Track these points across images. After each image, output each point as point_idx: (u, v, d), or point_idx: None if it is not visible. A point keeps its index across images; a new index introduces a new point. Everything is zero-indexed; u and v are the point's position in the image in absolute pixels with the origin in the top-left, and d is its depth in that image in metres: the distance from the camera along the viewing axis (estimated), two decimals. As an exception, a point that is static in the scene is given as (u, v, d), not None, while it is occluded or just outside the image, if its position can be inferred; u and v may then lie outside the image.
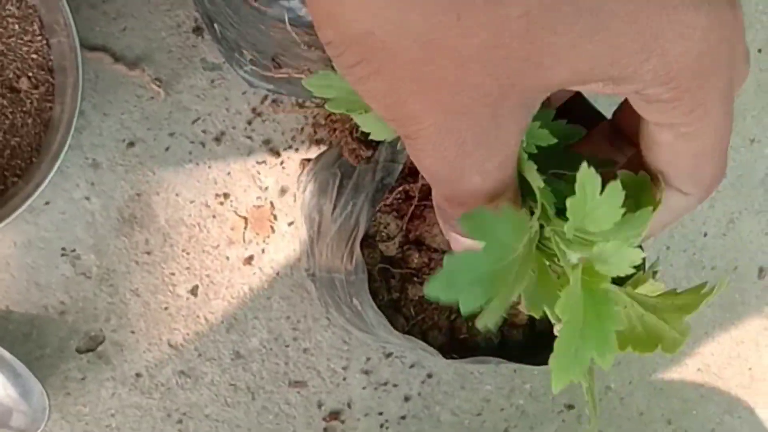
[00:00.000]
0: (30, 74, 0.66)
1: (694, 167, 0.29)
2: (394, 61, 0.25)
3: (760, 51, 0.85)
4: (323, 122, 0.53)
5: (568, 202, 0.29)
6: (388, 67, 0.25)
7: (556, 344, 0.31)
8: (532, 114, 0.27)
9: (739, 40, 0.26)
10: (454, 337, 0.60)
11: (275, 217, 0.74)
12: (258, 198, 0.74)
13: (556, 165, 0.34)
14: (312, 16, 0.26)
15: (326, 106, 0.34)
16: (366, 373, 0.77)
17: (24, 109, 0.66)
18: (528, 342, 0.60)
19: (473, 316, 0.30)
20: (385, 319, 0.55)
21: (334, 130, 0.54)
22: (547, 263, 0.33)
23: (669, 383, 0.86)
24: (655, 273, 0.34)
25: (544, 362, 0.31)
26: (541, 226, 0.32)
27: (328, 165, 0.68)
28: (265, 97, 0.74)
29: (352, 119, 0.52)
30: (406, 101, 0.26)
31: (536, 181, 0.31)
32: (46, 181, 0.63)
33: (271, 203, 0.74)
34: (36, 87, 0.66)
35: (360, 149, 0.57)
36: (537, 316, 0.32)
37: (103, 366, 0.71)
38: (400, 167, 0.55)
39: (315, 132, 0.74)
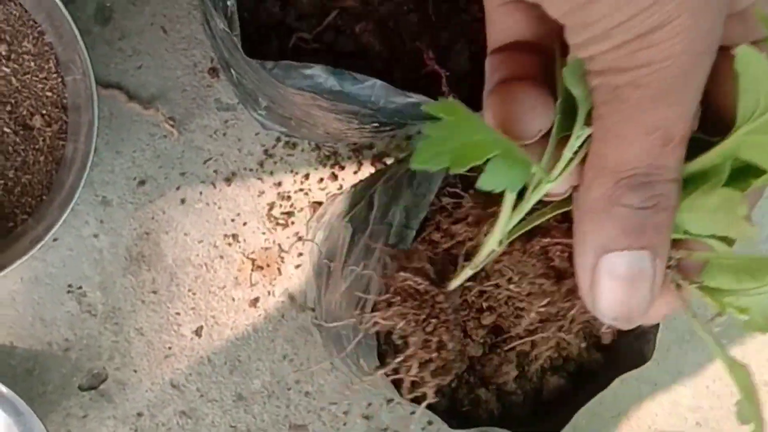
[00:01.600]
0: (44, 112, 0.66)
1: None
2: None
3: None
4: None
5: None
6: None
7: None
8: None
9: None
10: (455, 408, 0.60)
11: (282, 260, 0.74)
12: (266, 240, 0.74)
13: None
14: None
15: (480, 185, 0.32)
16: (367, 418, 0.77)
17: (36, 146, 0.66)
18: (529, 413, 0.60)
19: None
20: (392, 385, 0.55)
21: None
22: None
23: (668, 436, 0.86)
24: None
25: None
26: None
27: (340, 215, 0.67)
28: (278, 139, 0.73)
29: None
30: None
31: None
32: (58, 224, 0.62)
33: (279, 245, 0.74)
34: (49, 125, 0.66)
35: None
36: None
37: (104, 404, 0.71)
38: (413, 233, 0.55)
39: (335, 177, 0.74)
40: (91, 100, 0.64)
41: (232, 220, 0.73)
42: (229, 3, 0.48)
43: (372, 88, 0.50)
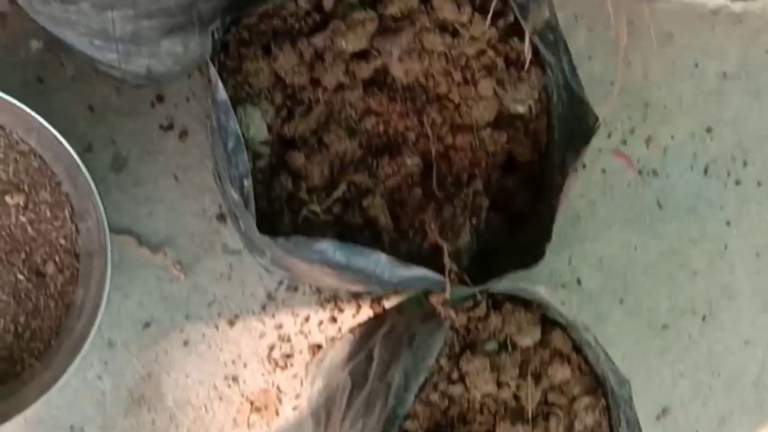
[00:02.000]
0: (56, 259, 0.69)
1: None
2: None
3: (758, 255, 0.88)
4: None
5: None
6: None
7: None
8: None
9: None
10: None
11: (280, 401, 0.76)
12: (265, 381, 0.75)
13: None
14: None
15: None
16: None
17: (48, 292, 0.68)
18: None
19: None
20: None
21: None
22: None
23: None
24: None
25: None
26: None
27: (339, 365, 0.69)
28: (281, 282, 0.76)
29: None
30: None
31: None
32: (66, 373, 0.64)
33: (278, 387, 0.76)
34: (61, 271, 0.69)
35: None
36: None
37: None
38: (412, 396, 0.57)
39: (334, 320, 0.77)
40: (103, 248, 0.66)
41: (233, 362, 0.75)
42: (245, 182, 0.52)
43: (377, 262, 0.53)
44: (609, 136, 0.84)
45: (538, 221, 0.58)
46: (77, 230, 0.69)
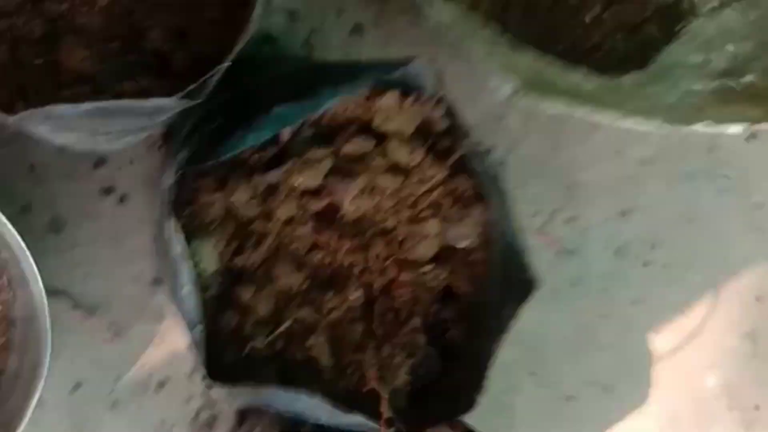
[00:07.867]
0: (-8, 326, 0.69)
1: None
2: None
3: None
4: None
5: None
6: None
7: None
8: None
9: None
10: None
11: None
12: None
13: None
14: None
15: None
16: None
17: (-19, 363, 0.69)
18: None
19: None
20: None
21: None
22: None
23: None
24: None
25: None
26: None
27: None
28: (210, 346, 0.78)
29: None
30: None
31: None
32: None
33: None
34: (-5, 338, 0.69)
35: None
36: None
37: None
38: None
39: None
40: (40, 313, 0.66)
41: (161, 424, 0.77)
42: (198, 329, 0.53)
43: (317, 407, 0.56)
44: (534, 215, 0.88)
45: (472, 364, 0.61)
46: (15, 296, 0.70)
